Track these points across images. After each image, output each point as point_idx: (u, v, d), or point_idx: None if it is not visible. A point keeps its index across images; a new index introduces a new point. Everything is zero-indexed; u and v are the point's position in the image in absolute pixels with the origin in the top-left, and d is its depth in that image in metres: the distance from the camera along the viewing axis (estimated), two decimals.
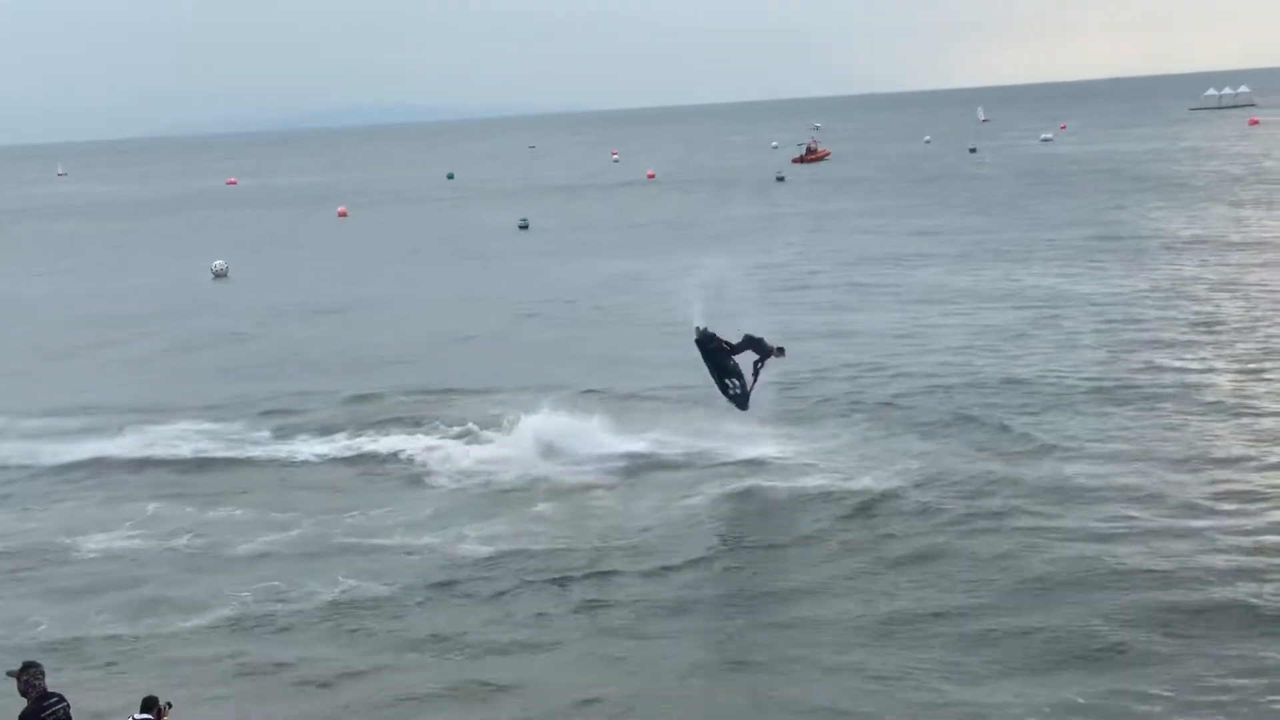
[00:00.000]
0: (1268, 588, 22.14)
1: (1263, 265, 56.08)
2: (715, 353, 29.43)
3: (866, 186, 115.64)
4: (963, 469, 29.50)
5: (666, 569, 24.77)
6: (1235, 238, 64.70)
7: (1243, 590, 22.10)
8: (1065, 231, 72.25)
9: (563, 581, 24.35)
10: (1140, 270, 56.60)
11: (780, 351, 30.15)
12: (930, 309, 51.00)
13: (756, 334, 29.84)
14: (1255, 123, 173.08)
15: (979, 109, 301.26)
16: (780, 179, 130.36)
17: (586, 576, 24.56)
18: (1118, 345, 41.61)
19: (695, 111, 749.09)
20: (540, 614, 23.04)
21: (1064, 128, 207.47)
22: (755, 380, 29.84)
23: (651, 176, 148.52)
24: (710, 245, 76.93)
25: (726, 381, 29.64)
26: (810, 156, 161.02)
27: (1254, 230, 67.52)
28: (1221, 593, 22.04)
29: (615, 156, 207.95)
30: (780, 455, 31.00)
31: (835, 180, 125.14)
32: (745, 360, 30.60)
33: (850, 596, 23.08)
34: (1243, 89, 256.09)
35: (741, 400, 30.01)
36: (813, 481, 29.08)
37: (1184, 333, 42.96)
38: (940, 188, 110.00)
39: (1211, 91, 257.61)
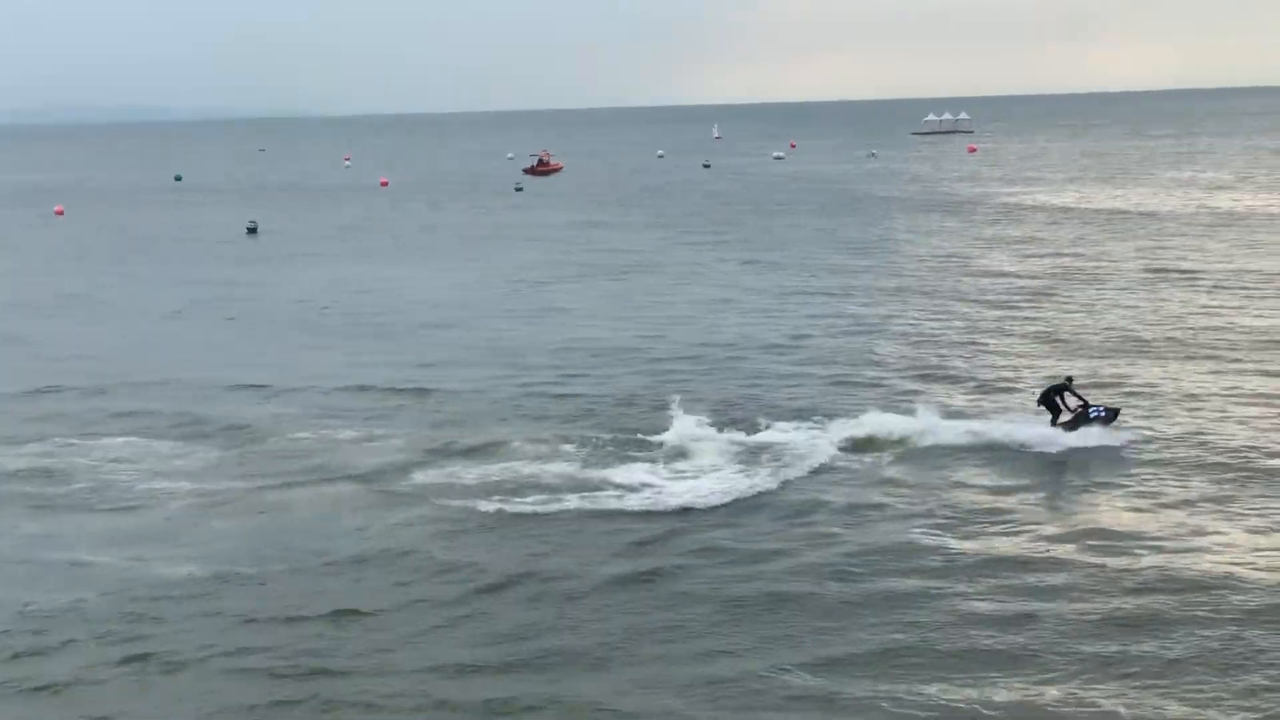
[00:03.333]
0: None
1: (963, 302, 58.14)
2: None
3: (595, 200, 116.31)
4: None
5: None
6: (943, 253, 67.18)
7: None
8: (792, 250, 74.09)
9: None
10: (859, 286, 58.28)
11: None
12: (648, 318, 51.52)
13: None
14: (973, 150, 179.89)
15: (714, 126, 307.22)
16: (519, 189, 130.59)
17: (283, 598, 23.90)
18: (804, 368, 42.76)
19: (433, 120, 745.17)
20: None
21: (794, 147, 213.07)
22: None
23: (385, 184, 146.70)
24: (437, 253, 76.52)
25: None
26: (541, 168, 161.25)
27: (960, 248, 70.18)
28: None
29: (347, 162, 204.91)
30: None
31: (565, 193, 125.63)
32: None
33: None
34: (962, 115, 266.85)
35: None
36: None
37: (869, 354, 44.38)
38: (665, 201, 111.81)
39: (931, 117, 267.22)
